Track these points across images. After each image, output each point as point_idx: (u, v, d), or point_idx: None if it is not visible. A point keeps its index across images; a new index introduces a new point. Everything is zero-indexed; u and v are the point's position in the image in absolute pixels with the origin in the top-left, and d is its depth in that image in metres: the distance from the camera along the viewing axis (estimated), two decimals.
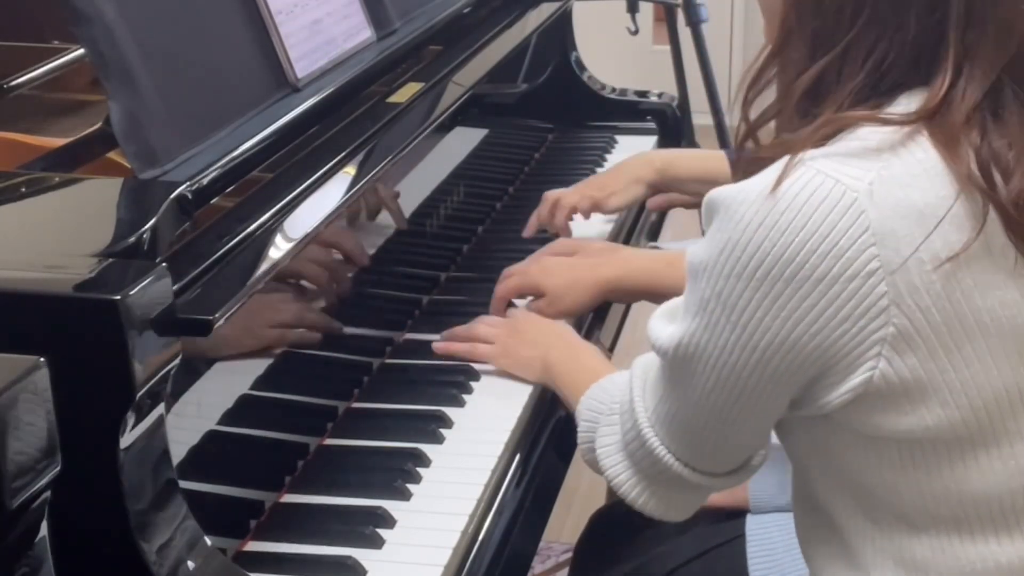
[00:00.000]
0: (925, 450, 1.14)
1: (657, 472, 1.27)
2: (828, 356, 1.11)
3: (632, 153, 2.24)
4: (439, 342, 1.68)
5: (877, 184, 1.09)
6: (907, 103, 1.13)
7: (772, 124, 1.21)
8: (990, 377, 1.12)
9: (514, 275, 1.76)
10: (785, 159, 1.11)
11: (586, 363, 1.55)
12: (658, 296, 1.73)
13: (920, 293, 1.09)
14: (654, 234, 2.14)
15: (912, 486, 1.16)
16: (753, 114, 1.23)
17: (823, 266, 1.08)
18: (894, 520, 1.18)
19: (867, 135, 1.12)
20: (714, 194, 1.14)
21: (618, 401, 1.32)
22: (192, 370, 1.28)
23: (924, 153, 1.11)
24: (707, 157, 2.04)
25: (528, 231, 1.98)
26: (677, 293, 1.46)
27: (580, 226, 1.99)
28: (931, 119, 1.11)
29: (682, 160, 2.05)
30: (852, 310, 1.09)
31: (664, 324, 1.22)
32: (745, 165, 1.18)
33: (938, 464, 1.15)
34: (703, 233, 1.18)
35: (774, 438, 1.27)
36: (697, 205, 1.94)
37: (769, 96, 1.22)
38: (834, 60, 1.14)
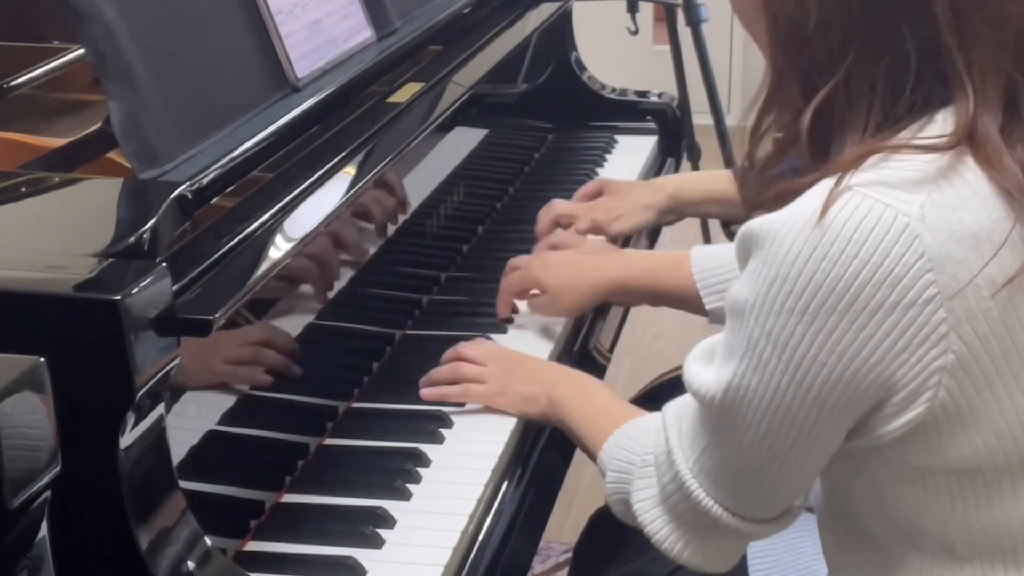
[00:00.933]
0: (975, 481, 1.12)
1: (703, 524, 1.22)
2: (888, 388, 1.08)
3: (632, 153, 2.25)
4: (426, 389, 1.58)
5: (929, 208, 1.05)
6: (943, 123, 1.10)
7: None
8: None
9: (517, 269, 1.76)
10: (825, 186, 1.07)
11: (598, 401, 1.48)
12: (660, 299, 1.72)
13: (978, 319, 1.06)
14: (653, 237, 2.14)
15: (959, 517, 1.14)
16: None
17: (879, 295, 1.04)
18: (938, 549, 1.16)
19: (911, 159, 1.08)
20: (754, 226, 1.10)
21: (651, 452, 1.26)
22: None
23: (973, 175, 1.08)
24: (715, 178, 2.01)
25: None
26: (680, 297, 1.46)
27: None
28: (971, 139, 1.08)
29: (692, 183, 2.02)
30: (911, 339, 1.05)
31: (702, 368, 1.17)
32: (776, 195, 1.13)
33: (987, 494, 1.13)
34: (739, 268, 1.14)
35: None
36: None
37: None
38: (836, 90, 1.11)
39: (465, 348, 1.61)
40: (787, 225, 1.07)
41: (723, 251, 1.67)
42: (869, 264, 1.04)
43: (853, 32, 1.10)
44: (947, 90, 1.10)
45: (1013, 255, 1.07)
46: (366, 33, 1.80)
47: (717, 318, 1.64)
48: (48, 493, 1.02)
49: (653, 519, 1.25)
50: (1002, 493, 1.13)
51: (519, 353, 1.64)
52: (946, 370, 1.06)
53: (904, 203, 1.05)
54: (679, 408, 1.24)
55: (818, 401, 1.09)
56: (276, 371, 1.43)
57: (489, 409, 1.57)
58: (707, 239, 3.30)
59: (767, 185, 1.16)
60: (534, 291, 1.75)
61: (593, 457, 1.40)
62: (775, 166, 1.18)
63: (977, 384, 1.08)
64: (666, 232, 2.16)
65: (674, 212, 1.98)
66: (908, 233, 1.04)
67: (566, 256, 1.77)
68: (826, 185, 1.08)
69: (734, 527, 1.21)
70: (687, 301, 1.68)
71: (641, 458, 1.28)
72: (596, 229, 1.93)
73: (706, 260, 1.66)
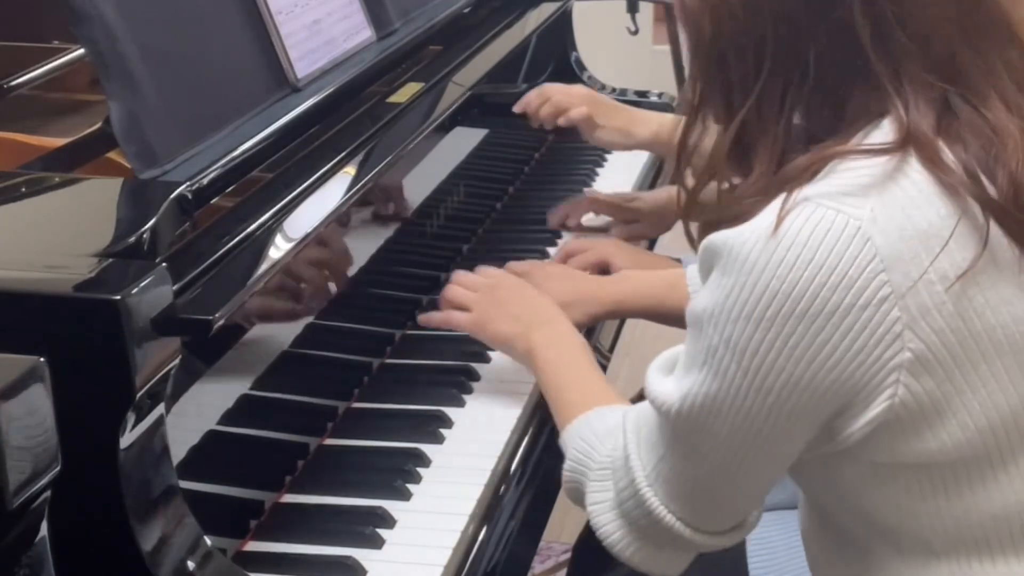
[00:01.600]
0: (944, 475, 1.13)
1: (655, 533, 1.23)
2: (847, 389, 1.09)
3: (631, 153, 2.24)
4: (420, 316, 1.65)
5: (879, 210, 1.08)
6: (888, 128, 1.12)
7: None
8: (1007, 395, 1.11)
9: (517, 274, 1.75)
10: (779, 200, 1.10)
11: (573, 358, 1.49)
12: (658, 318, 1.72)
13: (933, 315, 1.08)
14: (652, 241, 2.13)
15: (932, 512, 1.14)
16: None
17: (834, 298, 1.06)
18: (915, 545, 1.17)
19: (856, 166, 1.11)
20: (713, 240, 1.12)
21: (608, 455, 1.27)
22: (192, 370, 1.28)
23: (918, 175, 1.10)
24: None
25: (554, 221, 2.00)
26: (677, 316, 1.44)
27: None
28: (912, 141, 1.10)
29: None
30: (867, 339, 1.07)
31: (662, 378, 1.19)
32: (726, 211, 1.16)
33: (958, 488, 1.13)
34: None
35: None
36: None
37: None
38: (751, 108, 1.14)
39: (460, 273, 1.64)
40: (743, 236, 1.09)
41: None
42: (823, 268, 1.06)
43: (764, 53, 1.13)
44: (880, 101, 1.13)
45: (963, 249, 1.09)
46: (366, 33, 1.80)
47: None
48: (48, 493, 1.02)
49: (606, 523, 1.26)
50: (971, 485, 1.13)
51: (517, 281, 1.64)
52: (903, 367, 1.08)
53: (855, 208, 1.08)
54: (639, 414, 1.24)
55: (776, 405, 1.10)
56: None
57: (489, 409, 1.57)
58: None
59: (717, 204, 1.19)
60: None
61: (556, 422, 1.41)
62: (705, 185, 1.21)
63: (937, 378, 1.09)
64: (665, 235, 2.16)
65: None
66: (860, 236, 1.07)
67: (565, 270, 1.76)
68: (779, 200, 1.10)
69: (686, 537, 1.22)
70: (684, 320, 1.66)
71: (598, 460, 1.28)
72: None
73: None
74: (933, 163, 1.10)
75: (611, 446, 1.27)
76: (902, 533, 1.17)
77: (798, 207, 1.08)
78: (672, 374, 1.18)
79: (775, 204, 1.10)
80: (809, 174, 1.11)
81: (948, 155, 1.11)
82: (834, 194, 1.09)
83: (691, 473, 1.18)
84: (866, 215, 1.07)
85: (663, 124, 2.02)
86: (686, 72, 3.41)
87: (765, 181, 1.14)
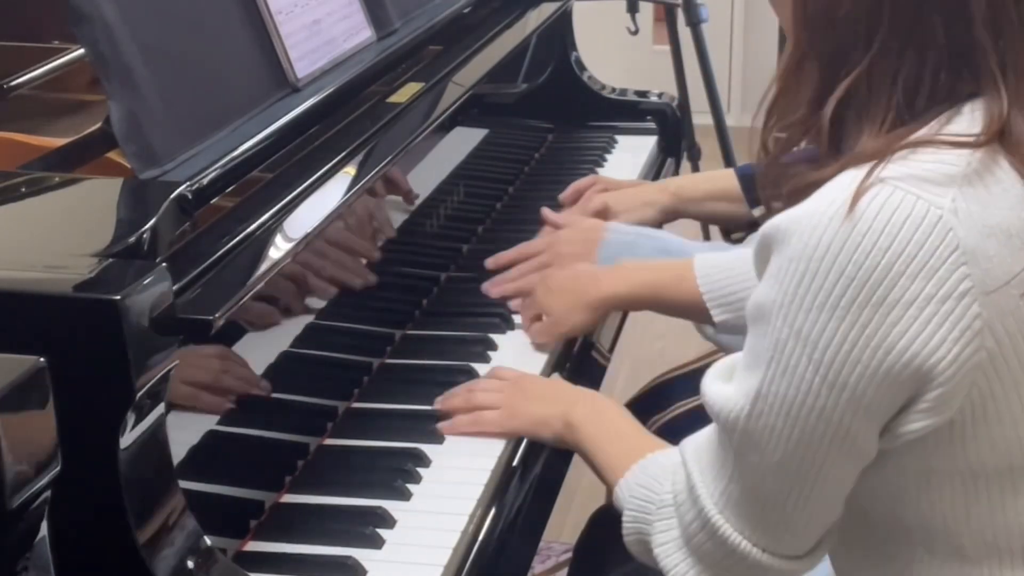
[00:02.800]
0: (990, 483, 1.11)
1: (732, 563, 1.16)
2: (924, 382, 1.04)
3: (632, 153, 2.25)
4: (444, 423, 1.51)
5: (960, 202, 1.03)
6: (971, 116, 1.08)
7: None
8: None
9: (521, 285, 1.76)
10: (848, 179, 1.05)
11: (616, 428, 1.42)
12: (665, 311, 1.69)
13: (1009, 319, 1.04)
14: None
15: (972, 520, 1.12)
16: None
17: (914, 287, 1.01)
18: (948, 551, 1.14)
19: (941, 153, 1.06)
20: (777, 223, 1.06)
21: (670, 491, 1.21)
22: None
23: (1004, 174, 1.06)
24: (717, 178, 2.02)
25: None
26: (685, 309, 1.42)
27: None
28: (1003, 138, 1.06)
29: (695, 182, 2.05)
30: (948, 332, 1.02)
31: (721, 385, 1.13)
32: (792, 189, 1.10)
33: (1001, 497, 1.11)
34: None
35: None
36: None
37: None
38: (858, 81, 1.08)
39: (478, 381, 1.57)
40: (813, 219, 1.04)
41: (727, 259, 1.62)
42: (903, 256, 1.01)
43: (881, 23, 1.07)
44: (976, 84, 1.08)
45: None
46: (366, 33, 1.80)
47: (726, 328, 1.63)
48: (48, 493, 1.02)
49: (677, 563, 1.20)
50: (1016, 494, 1.12)
51: (532, 375, 1.59)
52: (981, 368, 1.04)
53: (936, 196, 1.03)
54: (699, 442, 1.19)
55: (852, 401, 1.05)
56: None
57: None
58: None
59: (781, 178, 1.13)
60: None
61: (609, 486, 1.35)
62: (787, 152, 1.15)
63: (1005, 384, 1.06)
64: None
65: (676, 211, 2.00)
66: (942, 226, 1.02)
67: (566, 275, 1.73)
68: (849, 178, 1.05)
69: (764, 563, 1.16)
70: (693, 312, 1.65)
71: (660, 497, 1.22)
72: (603, 214, 1.94)
73: (711, 271, 1.62)
74: (1022, 162, 1.06)
75: (671, 482, 1.21)
76: (936, 536, 1.14)
77: (874, 189, 1.03)
78: (732, 379, 1.13)
79: (839, 183, 1.05)
80: (883, 157, 1.06)
81: None
82: (914, 179, 1.04)
83: (765, 490, 1.12)
84: (947, 205, 1.03)
85: (679, 181, 2.09)
86: (686, 72, 3.43)
87: (835, 160, 1.08)
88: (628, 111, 2.48)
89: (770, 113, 1.16)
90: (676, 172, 2.45)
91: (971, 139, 1.06)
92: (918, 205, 1.03)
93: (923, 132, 1.07)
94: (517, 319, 1.76)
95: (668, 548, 1.21)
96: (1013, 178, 1.06)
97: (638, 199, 1.98)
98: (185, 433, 1.27)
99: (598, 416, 1.44)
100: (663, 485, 1.23)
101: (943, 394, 1.05)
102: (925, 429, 1.07)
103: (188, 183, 1.31)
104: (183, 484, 1.19)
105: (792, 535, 1.16)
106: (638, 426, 1.44)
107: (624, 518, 1.28)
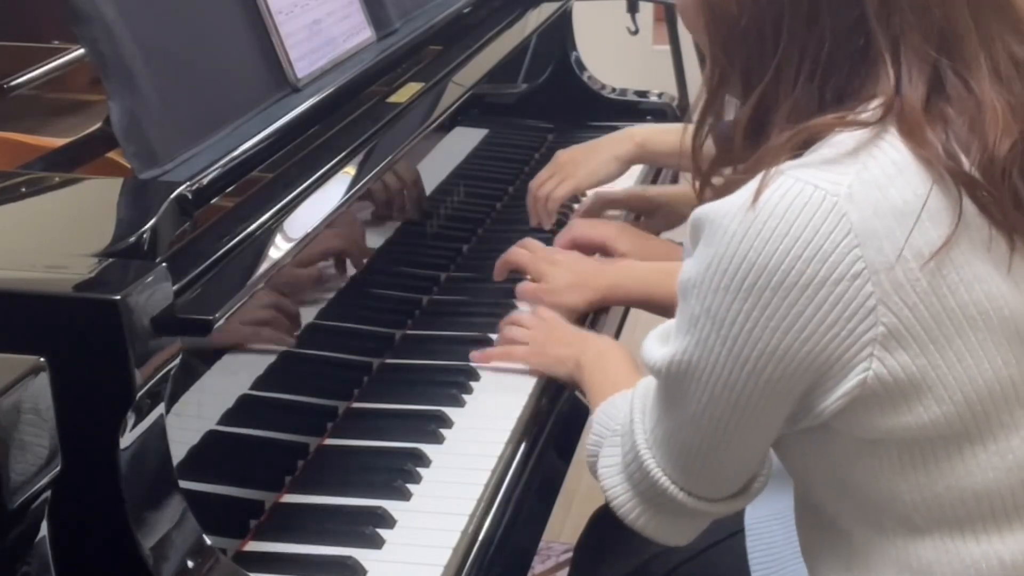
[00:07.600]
0: (924, 450, 1.15)
1: (655, 495, 1.26)
2: (820, 362, 1.11)
3: None
4: (476, 352, 1.68)
5: (856, 186, 1.10)
6: (875, 108, 1.13)
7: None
8: (982, 371, 1.13)
9: (527, 250, 1.80)
10: (762, 173, 1.12)
11: (614, 371, 1.54)
12: (655, 307, 1.76)
13: (906, 291, 1.09)
14: None
15: (913, 488, 1.16)
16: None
17: (808, 271, 1.09)
18: (897, 524, 1.18)
19: (840, 141, 1.12)
20: (698, 212, 1.15)
21: (620, 422, 1.32)
22: (192, 370, 1.28)
23: (897, 152, 1.12)
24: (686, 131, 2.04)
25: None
26: (671, 304, 1.45)
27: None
28: (897, 115, 1.12)
29: (662, 135, 2.07)
30: (840, 313, 1.09)
31: (657, 345, 1.22)
32: (718, 189, 1.19)
33: (937, 463, 1.15)
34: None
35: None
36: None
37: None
38: (768, 86, 1.16)
39: (517, 313, 1.73)
40: (724, 208, 1.12)
41: None
42: (799, 242, 1.08)
43: (781, 26, 1.14)
44: (876, 77, 1.14)
45: (937, 227, 1.10)
46: (366, 33, 1.80)
47: None
48: (48, 493, 1.02)
49: (614, 485, 1.30)
50: (951, 461, 1.14)
51: (563, 320, 1.71)
52: (877, 342, 1.10)
53: (833, 183, 1.10)
54: (648, 383, 1.28)
55: (753, 374, 1.13)
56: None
57: (489, 408, 1.58)
58: None
59: (712, 175, 1.22)
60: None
61: None
62: (721, 168, 1.23)
63: (911, 353, 1.11)
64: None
65: (641, 161, 2.08)
66: (835, 211, 1.09)
67: (571, 255, 1.82)
68: (762, 174, 1.13)
69: (682, 501, 1.25)
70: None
71: (612, 428, 1.34)
72: (576, 190, 2.02)
73: None
74: (912, 136, 1.11)
75: (624, 413, 1.31)
76: (884, 511, 1.18)
77: (776, 181, 1.11)
78: (666, 342, 1.22)
79: (757, 178, 1.12)
80: (789, 148, 1.14)
81: (928, 131, 1.12)
82: (813, 168, 1.11)
83: (681, 438, 1.21)
84: (843, 191, 1.09)
85: (644, 132, 2.09)
86: (686, 72, 3.43)
87: (751, 156, 1.16)
88: (628, 111, 2.48)
89: (699, 128, 1.24)
90: (675, 172, 2.45)
91: (865, 117, 1.13)
92: (815, 194, 1.09)
93: (821, 119, 1.14)
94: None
95: (610, 471, 1.31)
96: (905, 155, 1.11)
97: (603, 155, 2.03)
98: (185, 433, 1.27)
99: (602, 359, 1.58)
100: (617, 417, 1.34)
101: (841, 369, 1.11)
102: (836, 403, 1.13)
103: (188, 183, 1.31)
104: (183, 484, 1.19)
105: (709, 482, 1.25)
106: (634, 373, 1.51)
107: (588, 440, 1.38)
